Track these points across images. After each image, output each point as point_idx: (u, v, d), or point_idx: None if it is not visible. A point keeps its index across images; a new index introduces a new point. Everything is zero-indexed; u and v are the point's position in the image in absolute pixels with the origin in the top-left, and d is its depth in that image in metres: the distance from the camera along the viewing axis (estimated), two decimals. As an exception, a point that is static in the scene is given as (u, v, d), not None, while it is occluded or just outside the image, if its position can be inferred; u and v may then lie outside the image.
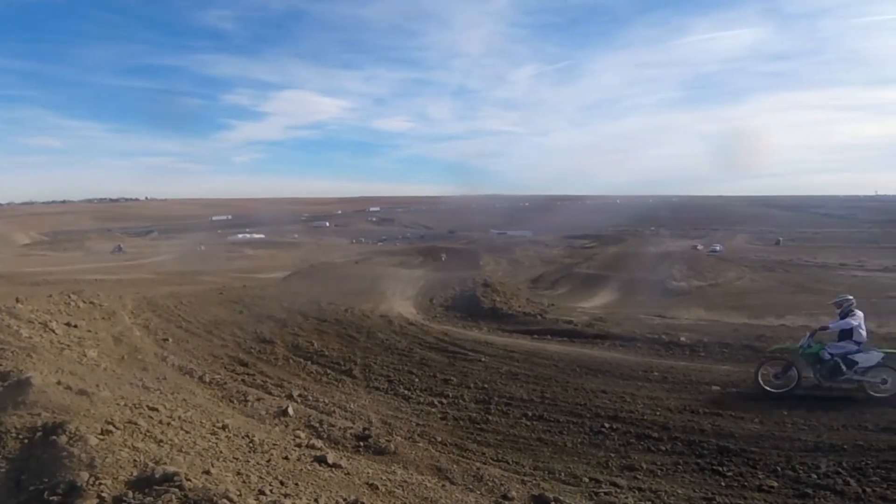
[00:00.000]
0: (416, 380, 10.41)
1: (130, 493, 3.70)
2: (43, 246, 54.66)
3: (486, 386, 9.93)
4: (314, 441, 6.41)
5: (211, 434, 5.98)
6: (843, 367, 8.66)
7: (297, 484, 4.57)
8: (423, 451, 6.91)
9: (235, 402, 8.58)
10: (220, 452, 5.20)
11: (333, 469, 5.26)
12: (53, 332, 10.98)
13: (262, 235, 75.10)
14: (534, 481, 6.22)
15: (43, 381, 6.61)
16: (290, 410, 7.99)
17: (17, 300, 12.89)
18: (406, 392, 9.78)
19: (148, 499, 3.59)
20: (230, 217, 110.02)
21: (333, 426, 7.51)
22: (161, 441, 5.19)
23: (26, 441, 4.87)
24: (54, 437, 4.68)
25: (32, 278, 23.49)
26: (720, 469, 6.47)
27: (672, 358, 11.70)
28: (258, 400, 8.71)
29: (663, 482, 6.28)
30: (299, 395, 9.16)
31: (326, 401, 8.99)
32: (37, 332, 10.54)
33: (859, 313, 9.00)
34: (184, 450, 5.07)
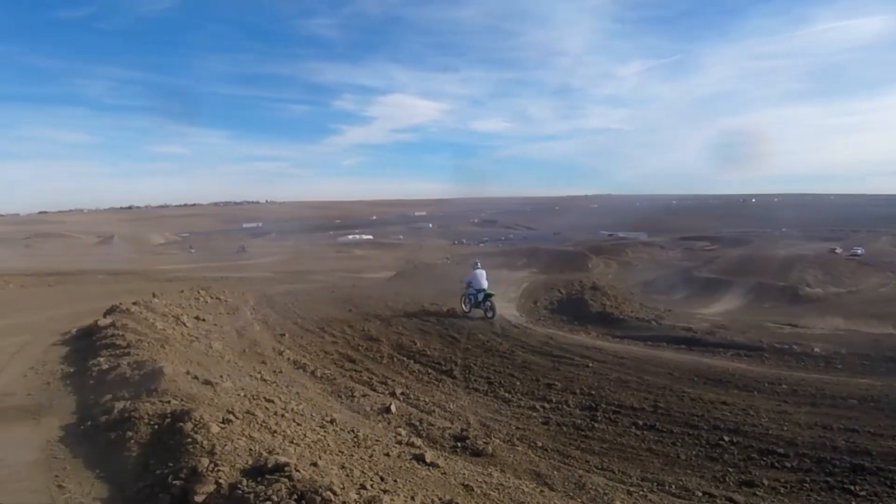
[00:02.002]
0: (518, 383, 10.44)
1: (244, 481, 4.02)
2: (175, 245, 60.53)
3: (592, 392, 9.76)
4: (414, 439, 6.67)
5: (320, 427, 6.42)
6: None
7: (395, 480, 4.81)
8: (521, 454, 6.95)
9: (343, 397, 9.11)
10: (328, 445, 5.57)
11: (431, 468, 5.46)
12: (184, 325, 12.21)
13: (369, 236, 78.36)
14: (640, 492, 6.06)
15: (173, 370, 7.38)
16: (393, 408, 8.35)
17: (154, 295, 14.48)
18: (506, 395, 9.85)
19: (260, 487, 3.90)
20: (339, 221, 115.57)
21: (433, 425, 7.76)
22: (275, 432, 5.61)
23: (156, 427, 5.44)
24: (181, 424, 5.17)
25: (166, 275, 26.18)
26: (852, 488, 5.97)
27: (803, 370, 10.84)
28: (364, 396, 9.19)
29: (786, 500, 5.91)
30: (402, 394, 9.53)
31: (427, 400, 9.29)
32: (170, 324, 11.78)
33: None
34: (295, 441, 5.47)
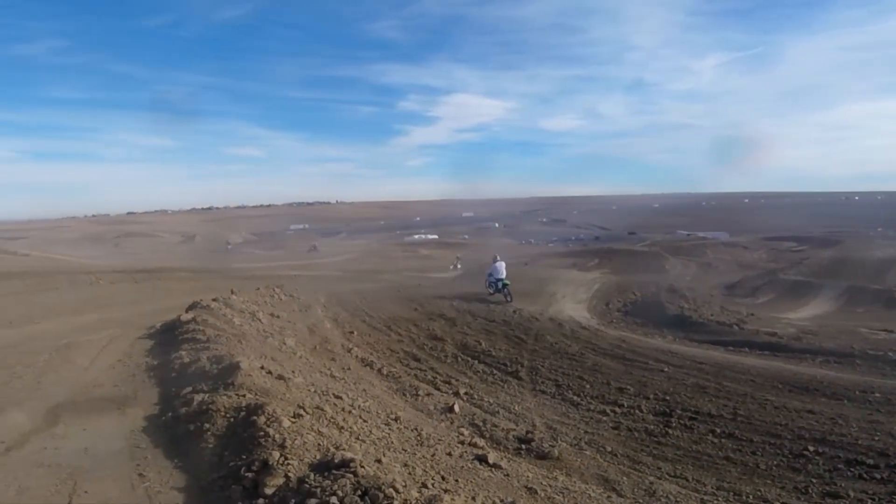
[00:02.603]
0: (587, 386, 10.25)
1: (312, 476, 4.15)
2: (251, 244, 63.30)
3: (667, 398, 9.45)
4: (476, 440, 6.69)
5: (385, 424, 6.54)
6: None
7: (457, 480, 4.84)
8: (589, 459, 6.84)
9: (408, 395, 9.25)
10: (392, 443, 5.68)
11: (493, 469, 5.46)
12: (260, 321, 12.74)
13: (435, 236, 78.90)
14: (715, 501, 5.85)
15: (249, 365, 7.69)
16: (456, 407, 8.40)
17: (232, 292, 15.18)
18: (575, 398, 9.69)
19: (326, 482, 4.02)
20: (419, 219, 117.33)
21: (496, 426, 7.75)
22: (342, 428, 5.75)
23: (232, 420, 5.69)
24: (254, 418, 5.36)
25: (242, 273, 27.39)
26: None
27: (901, 379, 10.10)
28: (428, 395, 9.30)
29: (874, 513, 5.54)
30: (465, 394, 9.57)
31: (491, 401, 9.28)
32: (246, 320, 12.32)
33: None
34: (361, 437, 5.60)
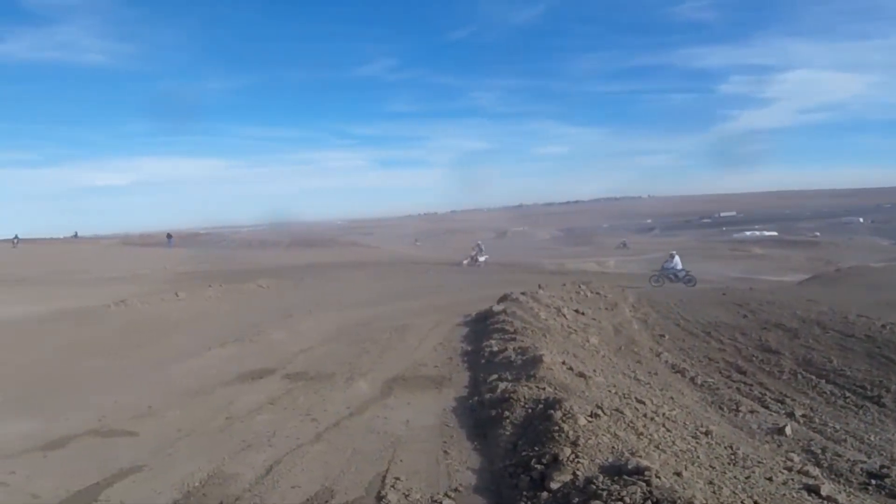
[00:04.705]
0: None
1: (600, 477, 4.09)
2: (559, 241, 65.37)
3: None
4: (809, 468, 5.72)
5: (692, 437, 6.10)
6: None
7: (773, 509, 4.26)
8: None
9: (725, 409, 8.43)
10: (697, 457, 5.27)
11: (826, 502, 4.64)
12: (564, 316, 13.14)
13: (773, 233, 69.56)
14: None
15: (551, 359, 8.01)
16: (788, 430, 7.33)
17: (539, 287, 16.00)
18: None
19: (614, 486, 3.92)
20: (736, 213, 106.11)
21: (840, 456, 6.52)
22: (641, 434, 5.54)
23: (529, 411, 5.99)
24: (551, 412, 5.50)
25: (550, 268, 28.52)
26: None
27: None
28: (751, 412, 8.33)
29: None
30: (802, 416, 8.28)
31: (837, 427, 7.83)
32: (551, 315, 12.83)
33: None
34: (661, 447, 5.32)
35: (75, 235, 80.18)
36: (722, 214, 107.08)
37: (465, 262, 29.24)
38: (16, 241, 57.90)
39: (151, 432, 6.46)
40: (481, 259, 29.79)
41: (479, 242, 33.64)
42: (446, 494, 4.71)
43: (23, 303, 17.44)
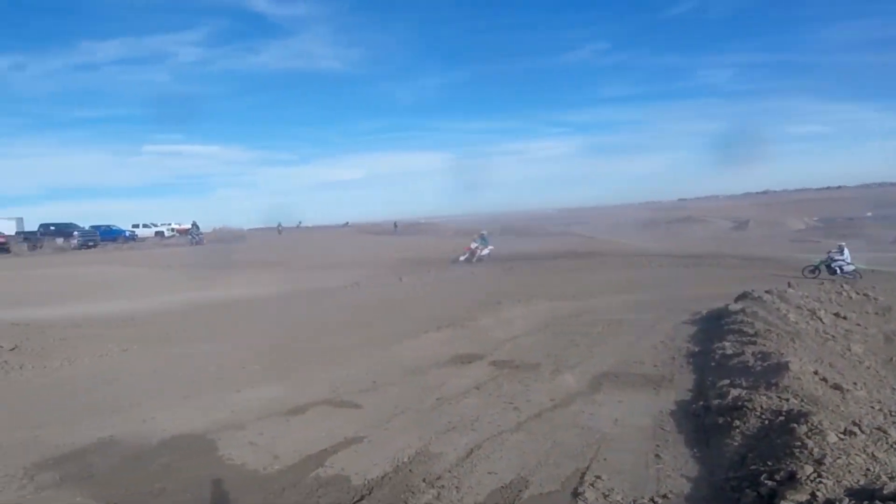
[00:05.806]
0: None
1: (846, 501, 3.57)
2: (816, 232, 56.67)
3: None
4: None
5: None
6: None
7: None
8: None
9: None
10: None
11: None
12: (820, 320, 11.36)
13: None
14: None
15: (800, 368, 7.03)
16: None
17: (789, 285, 14.09)
18: None
19: None
20: None
21: None
22: (906, 457, 4.65)
23: (766, 422, 5.36)
24: (794, 425, 4.92)
25: (802, 263, 24.59)
26: None
27: None
28: None
29: None
30: None
31: None
32: (803, 318, 11.18)
33: None
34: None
35: (298, 224, 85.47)
36: None
37: (461, 258, 26.77)
38: (280, 228, 67.51)
39: (373, 405, 7.05)
40: (483, 253, 27.13)
41: (484, 232, 29.97)
42: (652, 499, 4.37)
43: (276, 283, 20.45)
